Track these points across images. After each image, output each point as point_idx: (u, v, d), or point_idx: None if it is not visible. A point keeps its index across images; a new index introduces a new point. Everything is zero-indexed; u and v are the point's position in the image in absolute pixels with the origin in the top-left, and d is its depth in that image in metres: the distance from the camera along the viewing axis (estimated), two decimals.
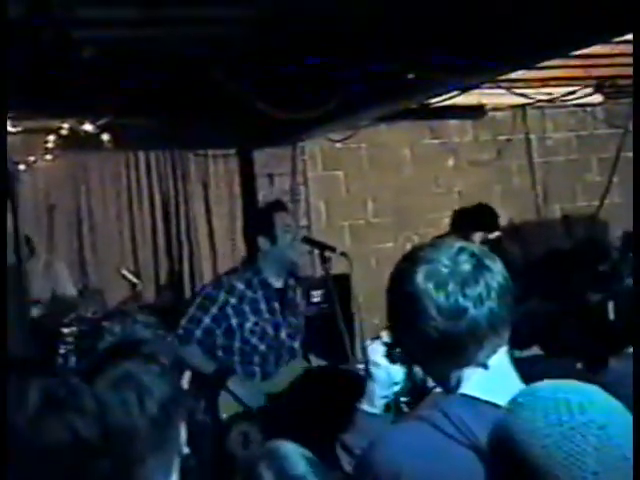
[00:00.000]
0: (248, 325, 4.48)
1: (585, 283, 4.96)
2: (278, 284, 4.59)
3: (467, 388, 1.79)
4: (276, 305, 4.58)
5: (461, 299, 1.75)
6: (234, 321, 4.47)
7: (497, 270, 1.80)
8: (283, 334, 4.59)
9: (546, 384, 1.49)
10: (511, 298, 1.80)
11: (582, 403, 1.41)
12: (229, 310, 4.47)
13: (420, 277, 1.78)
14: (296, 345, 4.69)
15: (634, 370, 1.76)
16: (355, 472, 1.94)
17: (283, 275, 4.62)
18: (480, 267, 1.78)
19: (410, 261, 1.83)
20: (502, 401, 1.73)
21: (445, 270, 1.77)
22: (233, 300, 4.47)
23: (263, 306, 4.53)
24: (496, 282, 1.78)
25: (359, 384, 2.11)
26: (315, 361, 4.86)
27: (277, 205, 4.81)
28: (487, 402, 1.76)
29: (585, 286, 4.92)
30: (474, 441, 1.69)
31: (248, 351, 4.49)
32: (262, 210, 5.16)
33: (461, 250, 1.80)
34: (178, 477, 1.95)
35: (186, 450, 2.01)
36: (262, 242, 4.52)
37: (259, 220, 4.72)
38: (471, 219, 6.35)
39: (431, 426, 1.74)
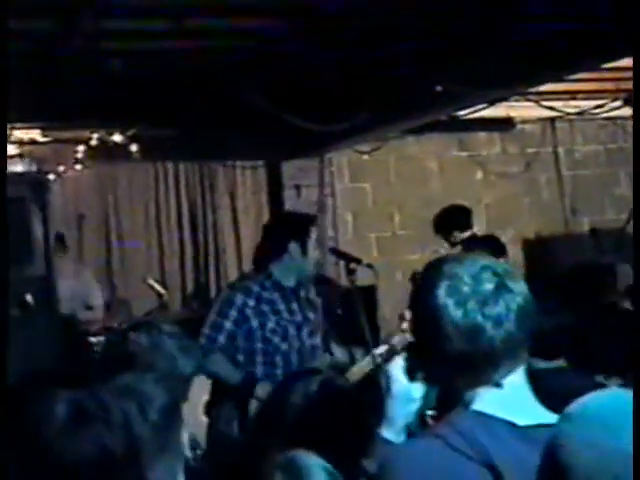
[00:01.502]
0: (270, 325, 4.46)
1: (615, 296, 4.92)
2: (289, 283, 4.57)
3: (480, 405, 1.77)
4: (294, 306, 4.57)
5: (479, 318, 1.73)
6: (254, 322, 4.45)
7: (518, 291, 1.76)
8: (304, 334, 4.58)
9: (597, 397, 1.46)
10: (531, 320, 1.76)
11: (617, 428, 1.38)
12: (248, 312, 4.44)
13: (441, 292, 1.76)
14: (317, 342, 4.67)
15: (634, 379, 1.75)
16: None
17: (294, 278, 4.60)
18: (501, 287, 1.75)
19: (433, 274, 1.81)
20: (514, 418, 1.72)
21: (466, 288, 1.75)
22: (251, 302, 4.45)
23: (282, 307, 4.52)
24: (516, 304, 1.74)
25: (380, 403, 2.07)
26: (337, 352, 4.80)
27: (313, 219, 4.82)
28: (499, 419, 1.74)
29: (616, 299, 4.88)
30: (486, 457, 1.67)
31: (270, 351, 4.46)
32: (298, 217, 5.06)
33: (484, 268, 1.77)
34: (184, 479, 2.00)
35: (188, 453, 2.04)
36: (293, 248, 4.48)
37: (294, 226, 4.65)
38: (446, 220, 6.39)
39: (442, 442, 1.71)
